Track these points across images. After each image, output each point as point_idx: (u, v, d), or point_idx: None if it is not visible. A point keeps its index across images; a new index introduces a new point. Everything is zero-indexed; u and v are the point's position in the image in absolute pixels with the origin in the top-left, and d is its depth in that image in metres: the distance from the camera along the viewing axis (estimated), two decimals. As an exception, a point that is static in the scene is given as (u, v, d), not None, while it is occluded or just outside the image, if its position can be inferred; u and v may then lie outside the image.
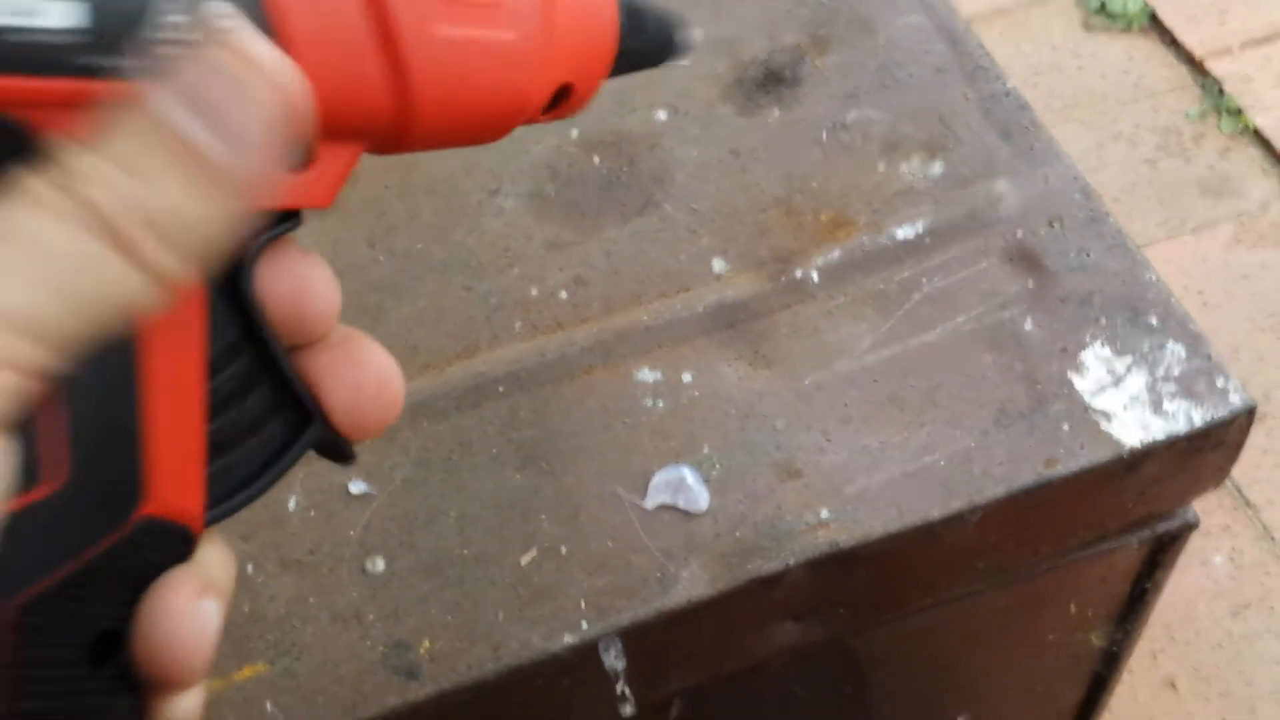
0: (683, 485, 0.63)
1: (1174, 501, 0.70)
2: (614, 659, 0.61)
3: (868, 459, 0.64)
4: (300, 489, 0.65)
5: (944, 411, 0.65)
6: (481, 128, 0.33)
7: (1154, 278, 0.70)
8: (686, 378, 0.68)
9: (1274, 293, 1.31)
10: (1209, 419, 0.64)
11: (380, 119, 0.30)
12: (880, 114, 0.79)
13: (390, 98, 0.30)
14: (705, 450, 0.65)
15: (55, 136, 0.25)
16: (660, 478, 0.64)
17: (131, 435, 0.28)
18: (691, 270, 0.73)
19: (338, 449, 0.34)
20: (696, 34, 0.40)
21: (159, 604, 0.29)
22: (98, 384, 0.27)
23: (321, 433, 0.33)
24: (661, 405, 0.67)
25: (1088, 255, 0.71)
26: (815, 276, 0.72)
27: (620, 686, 0.62)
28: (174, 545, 0.29)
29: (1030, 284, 0.70)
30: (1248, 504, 1.14)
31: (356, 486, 0.65)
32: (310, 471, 0.66)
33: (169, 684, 0.29)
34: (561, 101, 0.35)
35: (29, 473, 0.26)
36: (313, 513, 0.64)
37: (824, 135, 0.79)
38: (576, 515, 0.63)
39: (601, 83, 0.36)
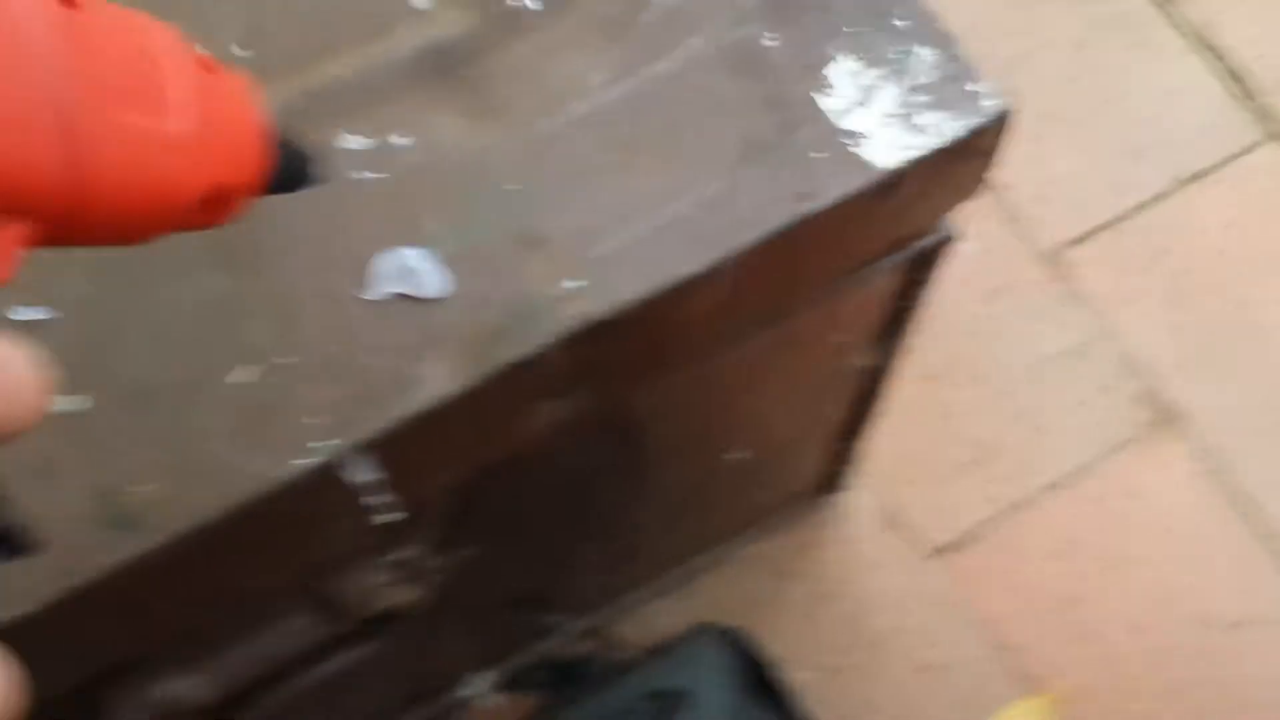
0: (410, 270, 0.56)
1: (932, 218, 0.67)
2: (357, 475, 0.55)
3: (613, 217, 0.58)
4: (-43, 325, 0.55)
5: (687, 151, 0.59)
6: (147, 215, 0.33)
7: (897, -27, 0.64)
8: (400, 141, 0.59)
9: (1005, -43, 1.27)
10: (963, 130, 0.60)
11: (54, 197, 0.30)
12: None
13: (64, 173, 0.30)
14: (432, 227, 0.57)
15: None
16: (383, 264, 0.56)
17: None
18: (388, 8, 0.63)
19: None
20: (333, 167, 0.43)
21: None
22: None
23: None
24: (374, 177, 0.58)
25: (826, -47, 0.64)
26: (530, 2, 0.63)
27: (369, 500, 0.56)
28: None
29: (767, -8, 0.63)
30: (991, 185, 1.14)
31: (24, 313, 0.55)
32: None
33: None
34: (215, 204, 0.36)
35: None
36: (-24, 353, 0.54)
37: None
38: (293, 319, 0.55)
39: (253, 194, 0.37)
